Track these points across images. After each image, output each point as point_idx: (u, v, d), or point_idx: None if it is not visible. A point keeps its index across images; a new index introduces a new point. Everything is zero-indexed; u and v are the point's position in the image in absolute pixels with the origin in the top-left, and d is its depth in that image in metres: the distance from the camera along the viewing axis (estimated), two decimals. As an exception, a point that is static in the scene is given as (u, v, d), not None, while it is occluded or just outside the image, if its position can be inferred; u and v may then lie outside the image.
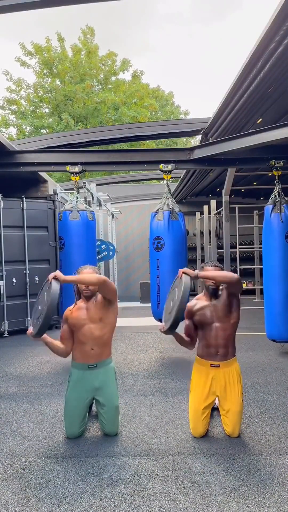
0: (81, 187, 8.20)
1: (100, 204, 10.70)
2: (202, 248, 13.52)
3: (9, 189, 7.98)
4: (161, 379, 4.80)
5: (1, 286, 7.40)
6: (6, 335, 7.48)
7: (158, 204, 5.97)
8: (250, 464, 2.84)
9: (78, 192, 6.01)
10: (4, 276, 7.45)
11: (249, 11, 39.89)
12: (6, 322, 7.48)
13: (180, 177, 11.70)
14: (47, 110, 22.66)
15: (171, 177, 6.25)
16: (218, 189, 12.41)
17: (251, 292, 12.34)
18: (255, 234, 11.88)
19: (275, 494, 2.48)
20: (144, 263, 14.35)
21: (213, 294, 3.28)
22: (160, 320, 6.00)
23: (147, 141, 18.68)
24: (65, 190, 9.74)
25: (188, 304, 3.35)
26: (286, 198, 5.70)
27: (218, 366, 3.22)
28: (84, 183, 8.95)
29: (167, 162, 6.15)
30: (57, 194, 8.47)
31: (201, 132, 8.03)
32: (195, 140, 19.65)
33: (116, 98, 21.37)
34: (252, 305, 10.84)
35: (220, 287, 3.30)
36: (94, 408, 3.56)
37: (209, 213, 12.65)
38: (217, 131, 7.31)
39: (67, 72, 21.63)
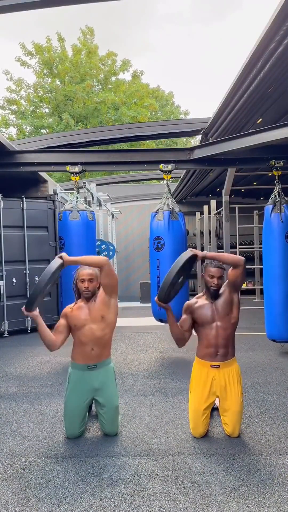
0: (81, 187, 8.21)
1: (100, 204, 10.70)
2: (202, 248, 13.50)
3: (9, 189, 7.98)
4: (161, 379, 4.80)
5: (1, 286, 7.40)
6: (6, 335, 7.48)
7: (158, 204, 5.97)
8: (250, 464, 2.84)
9: (78, 192, 6.01)
10: (4, 276, 7.45)
11: (249, 11, 39.96)
12: (6, 322, 7.48)
13: (180, 177, 11.70)
14: (47, 110, 22.68)
15: (171, 177, 6.25)
16: (218, 189, 12.41)
17: (251, 292, 12.34)
18: (255, 234, 11.87)
19: (275, 494, 2.48)
20: (144, 263, 14.35)
21: (214, 295, 3.27)
22: (160, 320, 6.00)
23: (147, 141, 18.69)
24: (65, 190, 9.76)
25: (188, 302, 3.37)
26: (286, 198, 5.70)
27: (218, 366, 3.23)
28: (84, 183, 8.95)
29: (167, 162, 6.15)
30: (57, 194, 8.47)
31: (201, 132, 8.03)
32: (195, 140, 19.65)
33: (116, 98, 21.38)
34: (252, 305, 10.84)
35: (221, 289, 3.31)
36: (94, 408, 3.56)
37: (209, 213, 12.65)
38: (217, 131, 7.31)
39: (67, 72, 21.65)
